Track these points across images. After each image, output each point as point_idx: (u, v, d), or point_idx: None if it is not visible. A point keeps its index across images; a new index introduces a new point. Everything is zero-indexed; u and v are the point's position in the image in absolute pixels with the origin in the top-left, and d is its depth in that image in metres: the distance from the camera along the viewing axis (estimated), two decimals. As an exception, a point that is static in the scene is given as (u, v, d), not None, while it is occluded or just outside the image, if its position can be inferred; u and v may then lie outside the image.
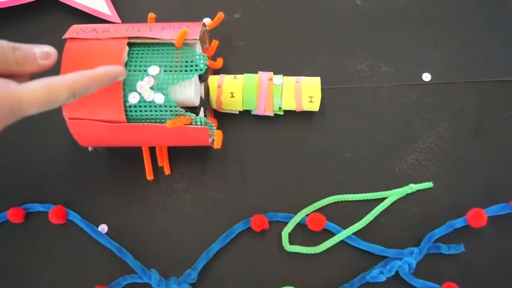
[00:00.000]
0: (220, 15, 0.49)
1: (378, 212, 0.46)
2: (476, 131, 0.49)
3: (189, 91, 0.42)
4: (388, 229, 0.46)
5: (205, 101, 0.48)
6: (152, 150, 0.48)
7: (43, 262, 0.47)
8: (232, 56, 0.52)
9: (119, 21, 0.53)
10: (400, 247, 0.45)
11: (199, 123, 0.42)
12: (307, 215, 0.46)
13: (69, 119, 0.41)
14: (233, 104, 0.47)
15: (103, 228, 0.47)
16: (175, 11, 0.54)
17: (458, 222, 0.45)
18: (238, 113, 0.49)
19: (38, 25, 0.54)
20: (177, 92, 0.42)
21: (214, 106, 0.48)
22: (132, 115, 0.41)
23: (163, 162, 0.48)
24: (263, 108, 0.47)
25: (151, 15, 0.48)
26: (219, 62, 0.50)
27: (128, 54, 0.41)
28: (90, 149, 0.49)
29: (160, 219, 0.48)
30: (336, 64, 0.51)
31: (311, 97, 0.47)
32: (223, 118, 0.49)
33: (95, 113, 0.40)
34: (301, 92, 0.47)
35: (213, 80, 0.47)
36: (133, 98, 0.40)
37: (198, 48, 0.45)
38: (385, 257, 0.45)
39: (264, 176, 0.48)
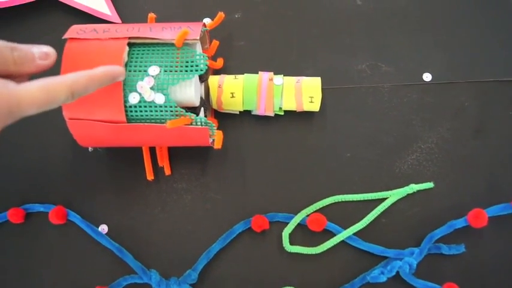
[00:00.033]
0: (221, 15, 0.49)
1: (379, 212, 0.46)
2: (477, 131, 0.49)
3: (190, 91, 0.42)
4: (388, 229, 0.46)
5: (206, 101, 0.48)
6: (152, 150, 0.48)
7: (43, 262, 0.47)
8: (232, 56, 0.52)
9: (119, 21, 0.53)
10: (400, 247, 0.45)
11: (199, 123, 0.42)
12: (307, 216, 0.46)
13: (69, 119, 0.41)
14: (233, 104, 0.47)
15: (103, 228, 0.47)
16: (175, 11, 0.54)
17: (459, 223, 0.45)
18: (238, 113, 0.49)
19: (38, 25, 0.54)
20: (178, 92, 0.42)
21: (215, 106, 0.48)
22: (132, 115, 0.41)
23: (164, 162, 0.48)
24: (263, 109, 0.47)
25: (151, 15, 0.48)
26: (220, 62, 0.50)
27: (128, 54, 0.41)
28: (90, 149, 0.49)
29: (161, 219, 0.47)
30: (336, 64, 0.51)
31: (311, 97, 0.47)
32: (223, 118, 0.49)
33: (95, 113, 0.40)
34: (302, 92, 0.47)
35: (213, 80, 0.47)
36: (133, 98, 0.40)
37: (199, 49, 0.45)
38: (385, 258, 0.45)
39: (265, 176, 0.48)
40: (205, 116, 0.47)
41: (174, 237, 0.47)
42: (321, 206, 0.47)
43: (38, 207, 0.47)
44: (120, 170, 0.49)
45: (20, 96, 0.31)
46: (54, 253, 0.47)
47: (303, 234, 0.46)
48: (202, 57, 0.41)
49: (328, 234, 0.46)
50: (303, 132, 0.49)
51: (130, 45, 0.42)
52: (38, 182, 0.49)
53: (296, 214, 0.46)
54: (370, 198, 0.47)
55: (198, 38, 0.42)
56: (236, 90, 0.47)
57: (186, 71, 0.41)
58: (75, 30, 0.42)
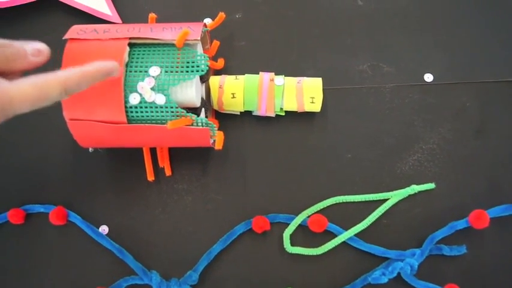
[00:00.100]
0: (221, 15, 0.49)
1: (380, 213, 0.46)
2: (478, 132, 0.48)
3: (190, 92, 0.42)
4: (389, 230, 0.46)
5: (207, 101, 0.47)
6: (153, 151, 0.48)
7: (43, 263, 0.47)
8: (233, 57, 0.51)
9: (120, 21, 0.53)
10: (402, 248, 0.45)
11: (200, 124, 0.42)
12: (308, 216, 0.46)
13: (70, 119, 0.41)
14: (234, 105, 0.47)
15: (104, 229, 0.47)
16: (176, 12, 0.54)
17: (461, 224, 0.45)
18: (239, 113, 0.49)
19: (39, 25, 0.54)
20: (178, 93, 0.42)
21: (216, 107, 0.48)
22: (132, 116, 0.41)
23: (164, 163, 0.48)
24: (264, 109, 0.47)
25: (152, 15, 0.48)
26: (220, 63, 0.50)
27: (129, 54, 0.41)
28: (90, 149, 0.49)
29: (161, 220, 0.47)
30: (337, 65, 0.51)
31: (313, 98, 0.47)
32: (224, 119, 0.49)
33: (95, 114, 0.40)
34: (303, 93, 0.46)
35: (214, 80, 0.47)
36: (134, 99, 0.40)
37: (199, 49, 0.45)
38: (386, 259, 0.45)
39: (266, 177, 0.48)
40: (206, 117, 0.47)
41: (174, 238, 0.47)
42: (322, 207, 0.47)
43: (38, 208, 0.47)
44: (121, 170, 0.49)
45: (12, 94, 0.31)
46: (55, 254, 0.47)
47: (304, 235, 0.46)
48: (203, 57, 0.41)
49: (329, 235, 0.46)
50: (304, 132, 0.49)
51: (131, 45, 0.42)
52: (38, 183, 0.48)
53: (297, 215, 0.46)
54: (371, 199, 0.47)
55: (199, 38, 0.42)
56: (237, 91, 0.47)
57: (187, 71, 0.41)
58: (76, 31, 0.42)
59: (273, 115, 0.48)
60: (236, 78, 0.47)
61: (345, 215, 0.46)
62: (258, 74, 0.48)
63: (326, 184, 0.47)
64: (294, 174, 0.48)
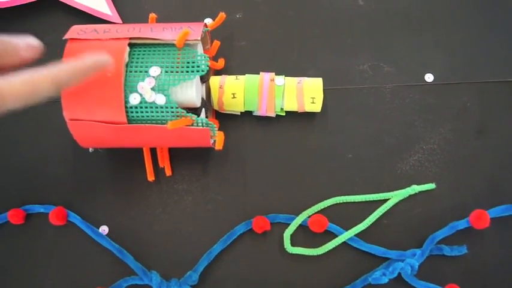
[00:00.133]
0: (222, 15, 0.48)
1: (380, 214, 0.46)
2: (479, 132, 0.48)
3: (191, 92, 0.42)
4: (390, 230, 0.46)
5: (207, 102, 0.47)
6: (153, 151, 0.48)
7: (43, 264, 0.47)
8: (233, 57, 0.51)
9: (120, 21, 0.53)
10: (402, 249, 0.45)
11: (200, 124, 0.42)
12: (309, 217, 0.46)
13: (70, 119, 0.41)
14: (235, 105, 0.47)
15: (104, 229, 0.47)
16: (176, 12, 0.54)
17: (461, 224, 0.45)
18: (239, 114, 0.49)
19: (39, 25, 0.53)
20: (178, 93, 0.42)
21: (216, 107, 0.48)
22: (133, 116, 0.41)
23: (164, 163, 0.48)
24: (265, 109, 0.47)
25: (152, 15, 0.48)
26: (221, 63, 0.50)
27: (129, 54, 0.41)
28: (90, 150, 0.49)
29: (161, 220, 0.47)
30: (338, 65, 0.51)
31: (313, 98, 0.46)
32: (224, 119, 0.49)
33: (95, 114, 0.40)
34: (303, 93, 0.46)
35: (214, 80, 0.47)
36: (134, 99, 0.40)
37: (200, 49, 0.45)
38: (387, 259, 0.45)
39: (266, 177, 0.48)
40: (206, 117, 0.47)
41: (174, 238, 0.47)
42: (322, 207, 0.47)
43: (38, 208, 0.47)
44: (121, 170, 0.48)
45: (2, 90, 0.31)
46: (55, 254, 0.47)
47: (304, 235, 0.46)
48: (203, 57, 0.41)
49: (330, 235, 0.46)
50: (304, 133, 0.49)
51: (131, 45, 0.42)
52: (38, 183, 0.48)
53: (297, 215, 0.46)
54: (371, 199, 0.47)
55: (199, 38, 0.42)
56: (237, 91, 0.47)
57: (187, 71, 0.41)
58: (76, 31, 0.42)
59: (274, 115, 0.48)
60: (236, 78, 0.47)
61: (346, 215, 0.46)
62: (259, 74, 0.48)
63: (326, 184, 0.47)
64: (294, 174, 0.48)
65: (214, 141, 0.44)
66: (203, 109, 0.45)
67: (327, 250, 0.45)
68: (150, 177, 0.47)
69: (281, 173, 0.48)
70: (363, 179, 0.47)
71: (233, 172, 0.48)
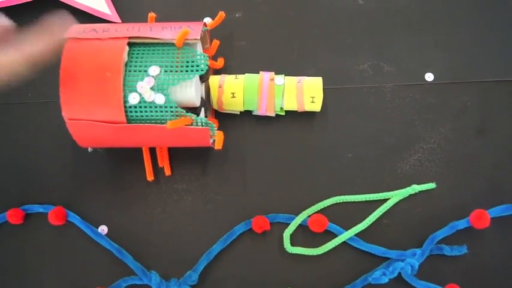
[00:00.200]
0: (221, 14, 0.48)
1: (380, 213, 0.46)
2: (479, 131, 0.48)
3: (190, 91, 0.42)
4: (390, 230, 0.46)
5: (206, 101, 0.47)
6: (152, 150, 0.48)
7: (42, 264, 0.47)
8: (233, 56, 0.51)
9: (119, 21, 0.53)
10: (402, 248, 0.45)
11: (200, 123, 0.41)
12: (308, 216, 0.46)
13: (69, 119, 0.41)
14: (234, 105, 0.47)
15: (103, 229, 0.47)
16: (175, 11, 0.53)
17: (461, 224, 0.45)
18: (239, 113, 0.49)
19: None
20: (178, 93, 0.42)
21: (215, 106, 0.48)
22: (132, 116, 0.41)
23: (164, 163, 0.48)
24: (264, 109, 0.47)
25: (151, 14, 0.48)
26: (220, 62, 0.50)
27: (128, 54, 0.41)
28: (90, 149, 0.49)
29: (161, 220, 0.47)
30: (338, 64, 0.51)
31: (313, 97, 0.46)
32: (224, 118, 0.49)
33: (94, 114, 0.40)
34: (303, 92, 0.46)
35: (214, 80, 0.47)
36: (133, 99, 0.40)
37: (199, 48, 0.44)
38: (387, 259, 0.45)
39: (266, 177, 0.48)
40: (206, 117, 0.47)
41: (174, 238, 0.47)
42: (322, 207, 0.47)
43: (37, 208, 0.47)
44: (120, 170, 0.48)
45: None
46: (54, 254, 0.47)
47: (304, 235, 0.46)
48: (202, 57, 0.41)
49: (330, 235, 0.46)
50: (304, 132, 0.49)
51: (130, 45, 0.42)
52: (37, 183, 0.48)
53: (297, 215, 0.46)
54: (371, 199, 0.47)
55: (199, 37, 0.42)
56: (237, 90, 0.46)
57: (187, 71, 0.40)
58: (75, 30, 0.42)
59: (273, 115, 0.48)
60: (236, 78, 0.47)
61: (345, 215, 0.46)
62: (258, 73, 0.48)
63: (326, 184, 0.47)
64: (294, 174, 0.48)
65: (214, 140, 0.44)
66: (202, 108, 0.45)
67: (326, 250, 0.45)
68: (150, 177, 0.47)
69: (281, 172, 0.48)
70: (363, 179, 0.47)
71: (233, 172, 0.48)
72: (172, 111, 0.40)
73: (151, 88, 0.40)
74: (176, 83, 0.40)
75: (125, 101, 0.40)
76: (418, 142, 0.48)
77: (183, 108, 0.41)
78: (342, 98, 0.50)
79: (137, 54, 0.41)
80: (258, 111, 0.48)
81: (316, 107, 0.47)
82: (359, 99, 0.50)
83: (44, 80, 0.51)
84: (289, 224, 0.46)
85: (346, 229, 0.46)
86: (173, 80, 0.40)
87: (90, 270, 0.46)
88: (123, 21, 0.53)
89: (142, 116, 0.41)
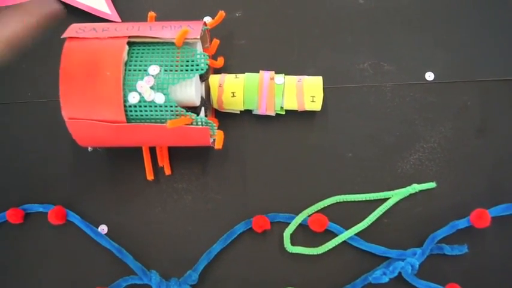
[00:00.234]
0: (221, 13, 0.48)
1: (381, 213, 0.46)
2: (479, 131, 0.48)
3: (190, 91, 0.42)
4: (390, 230, 0.46)
5: (206, 100, 0.47)
6: (152, 150, 0.48)
7: (42, 263, 0.47)
8: (233, 55, 0.51)
9: (119, 20, 0.53)
10: (402, 248, 0.45)
11: (200, 123, 0.41)
12: (309, 216, 0.46)
13: (69, 119, 0.40)
14: (234, 104, 0.47)
15: (103, 229, 0.47)
16: (175, 10, 0.53)
17: (462, 223, 0.45)
18: (239, 112, 0.49)
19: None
20: (178, 92, 0.42)
21: (215, 106, 0.48)
22: (132, 115, 0.41)
23: (164, 162, 0.47)
24: (264, 108, 0.47)
25: (151, 14, 0.48)
26: (220, 61, 0.50)
27: (128, 53, 0.41)
28: (89, 149, 0.49)
29: (161, 219, 0.47)
30: (338, 63, 0.51)
31: (313, 96, 0.46)
32: (224, 118, 0.49)
33: (94, 113, 0.40)
34: (303, 92, 0.46)
35: (214, 79, 0.47)
36: (133, 98, 0.40)
37: (199, 48, 0.44)
38: (387, 258, 0.45)
39: (266, 176, 0.48)
40: (206, 116, 0.47)
41: (174, 237, 0.47)
42: (322, 206, 0.46)
43: (37, 208, 0.47)
44: (120, 170, 0.48)
45: None
46: (54, 254, 0.47)
47: (304, 234, 0.46)
48: (202, 56, 0.41)
49: (330, 234, 0.46)
50: (304, 131, 0.49)
51: (130, 44, 0.42)
52: (37, 182, 0.48)
53: (297, 214, 0.46)
54: (372, 199, 0.47)
55: (199, 37, 0.41)
56: (237, 90, 0.46)
57: (187, 70, 0.40)
58: (74, 29, 0.42)
59: (273, 114, 0.48)
60: (236, 77, 0.47)
61: (346, 214, 0.46)
62: (258, 72, 0.47)
63: (326, 183, 0.47)
64: (294, 173, 0.48)
65: (214, 140, 0.44)
66: (202, 108, 0.45)
67: (327, 249, 0.45)
68: (150, 176, 0.47)
69: (281, 172, 0.48)
70: (363, 178, 0.47)
71: (233, 171, 0.48)
72: (172, 111, 0.40)
73: (151, 87, 0.40)
74: (176, 82, 0.40)
75: (125, 101, 0.40)
76: (419, 141, 0.48)
77: (183, 107, 0.41)
78: (342, 97, 0.50)
79: (137, 53, 0.41)
80: (258, 111, 0.48)
81: (317, 106, 0.47)
82: (359, 98, 0.50)
83: (44, 79, 0.51)
84: (289, 223, 0.46)
85: (347, 228, 0.46)
86: (173, 79, 0.40)
87: (90, 270, 0.46)
88: (122, 21, 0.53)
89: (142, 115, 0.41)
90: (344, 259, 0.46)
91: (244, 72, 0.48)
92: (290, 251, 0.45)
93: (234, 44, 0.52)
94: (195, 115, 0.41)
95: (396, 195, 0.46)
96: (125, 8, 0.53)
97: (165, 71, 0.40)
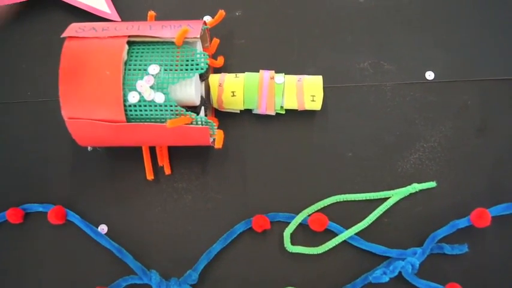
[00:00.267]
0: (221, 13, 0.48)
1: (381, 212, 0.46)
2: (479, 130, 0.48)
3: (190, 90, 0.42)
4: (391, 229, 0.46)
5: (206, 100, 0.47)
6: (152, 149, 0.48)
7: (42, 263, 0.47)
8: (233, 55, 0.51)
9: (119, 19, 0.52)
10: (403, 247, 0.45)
11: (200, 122, 0.41)
12: (309, 215, 0.46)
13: (68, 118, 0.40)
14: (234, 103, 0.47)
15: (103, 228, 0.47)
16: (175, 9, 0.53)
17: (462, 222, 0.45)
18: (239, 112, 0.49)
19: (37, 23, 0.53)
20: (178, 91, 0.41)
21: (215, 105, 0.48)
22: (132, 115, 0.40)
23: (164, 162, 0.47)
24: (264, 107, 0.47)
25: (151, 13, 0.48)
26: (220, 61, 0.50)
27: (128, 53, 0.41)
28: (89, 148, 0.49)
29: (161, 219, 0.47)
30: (338, 62, 0.51)
31: (313, 96, 0.46)
32: (224, 117, 0.49)
33: (94, 113, 0.40)
34: (303, 91, 0.46)
35: (213, 78, 0.47)
36: (133, 98, 0.40)
37: (199, 47, 0.44)
38: (388, 258, 0.45)
39: (266, 176, 0.48)
40: (206, 115, 0.47)
41: (174, 237, 0.47)
42: (322, 206, 0.46)
43: (37, 207, 0.47)
44: (120, 169, 0.48)
45: None
46: (53, 253, 0.47)
47: (304, 234, 0.46)
48: (202, 55, 0.41)
49: (330, 234, 0.46)
50: (304, 131, 0.49)
51: (129, 43, 0.41)
52: (37, 182, 0.48)
53: (297, 214, 0.46)
54: (372, 198, 0.46)
55: (199, 36, 0.41)
56: (237, 89, 0.46)
57: (187, 69, 0.40)
58: (74, 29, 0.42)
59: (273, 113, 0.48)
60: (236, 77, 0.47)
61: (346, 214, 0.46)
62: (258, 72, 0.47)
63: (326, 183, 0.47)
64: (294, 172, 0.48)
65: (214, 139, 0.44)
66: (202, 107, 0.45)
67: (327, 249, 0.45)
68: (150, 176, 0.47)
69: (281, 171, 0.48)
70: (363, 178, 0.47)
71: (233, 171, 0.48)
72: (172, 110, 0.40)
73: (151, 87, 0.40)
74: (176, 81, 0.40)
75: (125, 100, 0.40)
76: (419, 141, 0.48)
77: (183, 107, 0.41)
78: (342, 96, 0.50)
79: (137, 52, 0.41)
80: (258, 110, 0.48)
81: (317, 105, 0.47)
82: (359, 97, 0.49)
83: (44, 78, 0.51)
84: (289, 223, 0.46)
85: (347, 228, 0.45)
86: (173, 79, 0.40)
87: (90, 270, 0.46)
88: (122, 20, 0.52)
89: (142, 114, 0.40)
90: (344, 259, 0.46)
91: (244, 72, 0.48)
92: (290, 251, 0.45)
93: (234, 43, 0.52)
94: (195, 114, 0.41)
95: (396, 195, 0.46)
96: (124, 7, 0.53)
97: (165, 70, 0.40)
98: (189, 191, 0.48)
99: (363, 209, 0.46)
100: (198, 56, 0.41)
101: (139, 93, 0.40)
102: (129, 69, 0.40)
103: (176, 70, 0.40)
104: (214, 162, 0.48)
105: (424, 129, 0.48)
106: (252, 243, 0.46)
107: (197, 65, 0.40)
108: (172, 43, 0.41)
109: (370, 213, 0.46)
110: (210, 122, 0.42)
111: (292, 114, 0.49)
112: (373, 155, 0.48)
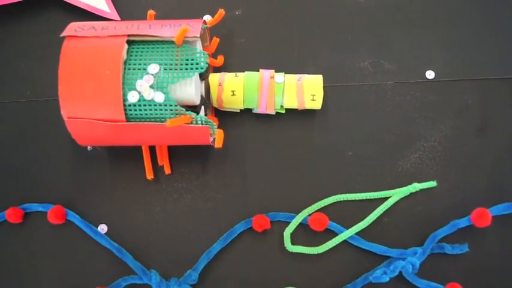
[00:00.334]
0: (221, 12, 0.48)
1: (381, 212, 0.46)
2: (480, 130, 0.48)
3: (190, 89, 0.42)
4: (391, 229, 0.46)
5: (206, 99, 0.47)
6: (152, 149, 0.48)
7: (42, 263, 0.46)
8: (233, 54, 0.51)
9: (118, 18, 0.52)
10: (403, 247, 0.45)
11: (199, 122, 0.41)
12: (309, 215, 0.46)
13: (68, 118, 0.40)
14: (234, 103, 0.47)
15: (102, 228, 0.47)
16: (175, 8, 0.53)
17: (463, 222, 0.45)
18: (239, 111, 0.49)
19: (37, 23, 0.53)
20: (177, 91, 0.41)
21: (215, 104, 0.47)
22: (131, 114, 0.40)
23: (164, 161, 0.47)
24: (264, 107, 0.47)
25: (150, 12, 0.48)
26: (220, 60, 0.49)
27: (127, 52, 0.41)
28: (89, 148, 0.49)
29: (161, 219, 0.47)
30: (338, 62, 0.51)
31: (313, 95, 0.46)
32: (224, 117, 0.49)
33: (93, 112, 0.40)
34: (303, 90, 0.46)
35: (213, 78, 0.47)
36: (132, 97, 0.40)
37: (199, 46, 0.44)
38: (388, 257, 0.45)
39: (266, 175, 0.48)
40: (206, 115, 0.47)
41: (174, 237, 0.47)
42: (322, 206, 0.46)
43: (37, 207, 0.47)
44: (120, 169, 0.48)
45: None
46: (53, 253, 0.47)
47: (304, 233, 0.46)
48: (202, 54, 0.41)
49: (330, 233, 0.46)
50: (304, 130, 0.49)
51: (129, 42, 0.41)
52: (37, 182, 0.48)
53: (297, 213, 0.46)
54: (372, 198, 0.46)
55: (198, 35, 0.41)
56: (237, 88, 0.46)
57: (186, 69, 0.40)
58: (73, 28, 0.42)
59: (273, 113, 0.48)
60: (236, 76, 0.47)
61: (346, 214, 0.46)
62: (258, 71, 0.47)
63: (327, 182, 0.47)
64: (294, 172, 0.48)
65: (214, 139, 0.43)
66: (202, 107, 0.45)
67: (327, 249, 0.45)
68: (149, 175, 0.47)
69: (281, 171, 0.48)
70: (364, 177, 0.47)
71: (233, 170, 0.48)
72: (171, 110, 0.40)
73: (151, 86, 0.40)
74: (176, 81, 0.40)
75: (124, 100, 0.40)
76: (419, 140, 0.48)
77: (183, 106, 0.41)
78: (342, 95, 0.49)
79: (136, 52, 0.41)
80: (258, 109, 0.48)
81: (317, 105, 0.47)
82: (359, 97, 0.49)
83: (43, 78, 0.51)
84: (289, 222, 0.46)
85: (347, 228, 0.45)
86: (173, 78, 0.40)
87: (90, 270, 0.46)
88: (122, 19, 0.52)
89: (141, 114, 0.40)
90: (344, 258, 0.45)
91: (244, 71, 0.48)
92: (290, 251, 0.45)
93: (234, 42, 0.52)
94: (195, 114, 0.41)
95: (397, 194, 0.46)
96: (124, 6, 0.53)
97: (165, 69, 0.40)
98: (189, 190, 0.48)
99: (363, 208, 0.46)
100: (198, 55, 0.41)
101: (139, 93, 0.40)
102: (129, 69, 0.40)
103: (176, 69, 0.40)
104: (214, 161, 0.48)
105: (425, 129, 0.48)
106: (252, 243, 0.46)
107: (197, 64, 0.40)
108: (172, 42, 0.41)
109: (371, 212, 0.46)
110: (210, 122, 0.42)
111: (292, 114, 0.49)
112: (373, 155, 0.48)
